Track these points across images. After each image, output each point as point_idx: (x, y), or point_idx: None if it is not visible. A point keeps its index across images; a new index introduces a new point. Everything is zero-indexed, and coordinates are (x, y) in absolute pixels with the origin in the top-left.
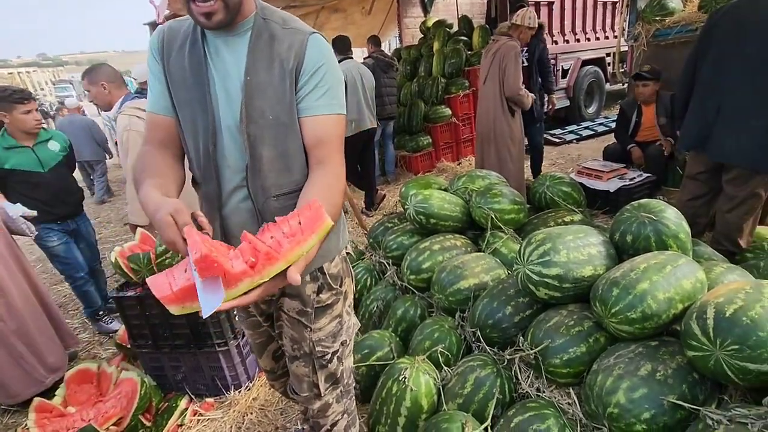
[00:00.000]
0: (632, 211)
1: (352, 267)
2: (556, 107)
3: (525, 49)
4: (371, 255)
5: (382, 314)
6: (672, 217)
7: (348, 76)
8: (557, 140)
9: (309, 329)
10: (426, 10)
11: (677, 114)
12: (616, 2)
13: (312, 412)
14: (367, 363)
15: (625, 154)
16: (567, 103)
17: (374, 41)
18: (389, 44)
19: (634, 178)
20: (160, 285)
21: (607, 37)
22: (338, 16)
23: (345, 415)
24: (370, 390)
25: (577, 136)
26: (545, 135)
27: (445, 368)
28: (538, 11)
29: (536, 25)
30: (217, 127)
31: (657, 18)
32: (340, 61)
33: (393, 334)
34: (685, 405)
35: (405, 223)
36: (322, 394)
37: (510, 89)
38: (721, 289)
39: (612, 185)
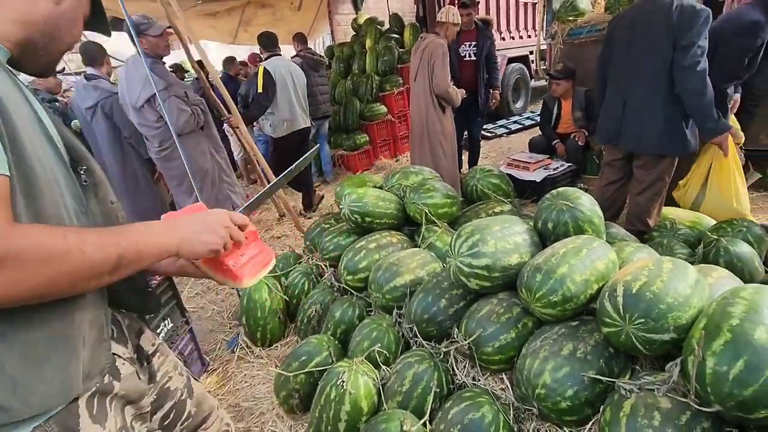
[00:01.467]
0: (552, 199)
1: (290, 271)
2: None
3: (473, 43)
4: (308, 258)
5: (321, 318)
6: (587, 204)
7: (277, 73)
8: (489, 134)
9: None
10: (357, 7)
11: (595, 111)
12: (536, 3)
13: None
14: (305, 370)
15: (549, 145)
16: None
17: (300, 39)
18: (323, 41)
19: (557, 167)
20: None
21: (529, 36)
22: (266, 12)
23: None
24: (311, 398)
25: (507, 130)
26: None
27: (384, 367)
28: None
29: (459, 21)
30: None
31: (570, 18)
32: (266, 58)
33: (332, 338)
34: (603, 379)
35: (341, 224)
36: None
37: (438, 87)
38: (629, 267)
39: (538, 175)
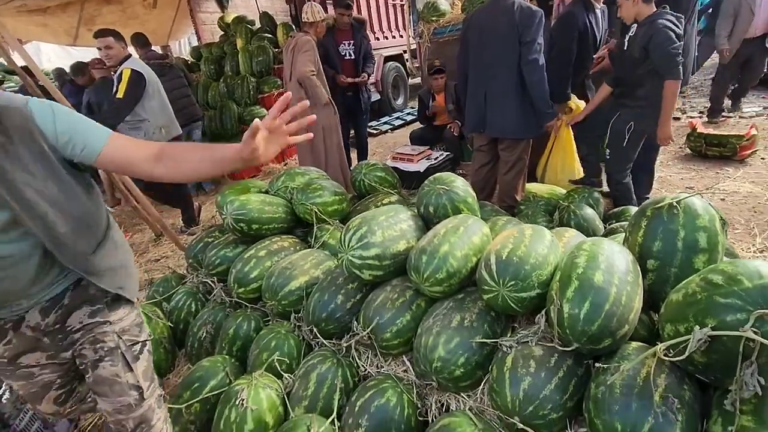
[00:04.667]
0: (430, 185)
1: (173, 294)
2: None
3: (351, 42)
4: (193, 277)
5: (215, 339)
6: (460, 186)
7: (147, 75)
8: (375, 131)
9: (109, 323)
10: (222, 6)
11: (461, 103)
12: (404, 4)
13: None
14: (199, 398)
15: (429, 136)
16: (378, 96)
17: (139, 41)
18: (188, 41)
19: (438, 157)
20: None
21: (401, 36)
22: (113, 9)
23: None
24: (209, 427)
25: (392, 126)
26: None
27: (287, 375)
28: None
29: (325, 15)
30: None
31: (433, 18)
32: (123, 60)
33: (228, 357)
34: (488, 341)
35: (227, 235)
36: (145, 395)
37: (299, 71)
38: (498, 238)
39: (421, 166)
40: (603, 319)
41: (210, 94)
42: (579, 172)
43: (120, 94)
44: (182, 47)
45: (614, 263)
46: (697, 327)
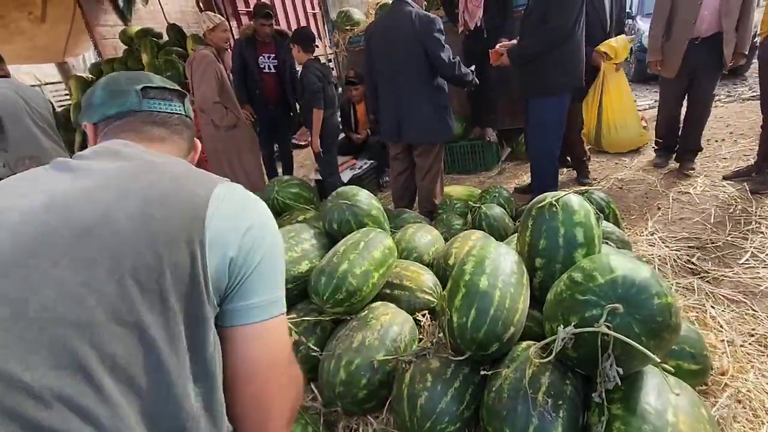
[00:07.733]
0: (333, 200)
1: None
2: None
3: (273, 56)
4: None
5: None
6: (364, 199)
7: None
8: (303, 144)
9: None
10: (125, 18)
11: (374, 110)
12: (317, 12)
13: None
14: None
15: (353, 146)
16: None
17: None
18: (93, 56)
19: (362, 166)
20: None
21: (325, 45)
22: None
23: None
24: None
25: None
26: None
27: None
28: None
29: (218, 22)
30: None
31: (347, 27)
32: None
33: None
34: (388, 358)
35: None
36: None
37: (201, 99)
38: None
39: (345, 176)
40: (489, 324)
41: None
42: (643, 133)
43: None
44: (87, 63)
45: (499, 266)
46: (561, 326)
